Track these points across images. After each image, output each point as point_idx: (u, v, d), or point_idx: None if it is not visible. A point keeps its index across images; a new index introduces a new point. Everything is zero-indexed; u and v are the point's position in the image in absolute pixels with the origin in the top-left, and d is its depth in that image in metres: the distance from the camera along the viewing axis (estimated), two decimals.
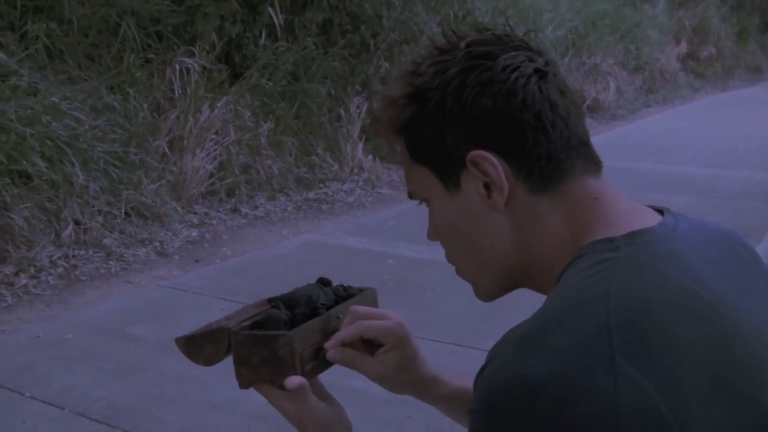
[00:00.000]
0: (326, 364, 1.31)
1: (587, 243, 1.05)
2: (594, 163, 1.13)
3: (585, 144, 1.12)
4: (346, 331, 1.32)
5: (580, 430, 0.87)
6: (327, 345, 1.32)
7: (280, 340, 1.24)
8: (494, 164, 1.07)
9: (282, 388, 1.25)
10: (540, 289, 1.15)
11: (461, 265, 1.21)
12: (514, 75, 1.07)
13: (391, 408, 3.68)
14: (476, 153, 1.08)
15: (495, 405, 0.94)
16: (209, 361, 1.33)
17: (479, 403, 0.96)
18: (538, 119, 1.07)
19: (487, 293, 1.22)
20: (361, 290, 1.42)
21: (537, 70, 1.09)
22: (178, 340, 1.35)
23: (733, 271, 1.09)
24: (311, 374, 1.28)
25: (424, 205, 1.21)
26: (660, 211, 1.14)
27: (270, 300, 1.39)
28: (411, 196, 1.21)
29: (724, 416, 0.91)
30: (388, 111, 1.16)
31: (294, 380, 1.23)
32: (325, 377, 1.36)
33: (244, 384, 1.29)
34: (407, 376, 1.36)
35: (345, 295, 1.40)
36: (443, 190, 1.14)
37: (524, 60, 1.09)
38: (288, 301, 1.34)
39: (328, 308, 1.35)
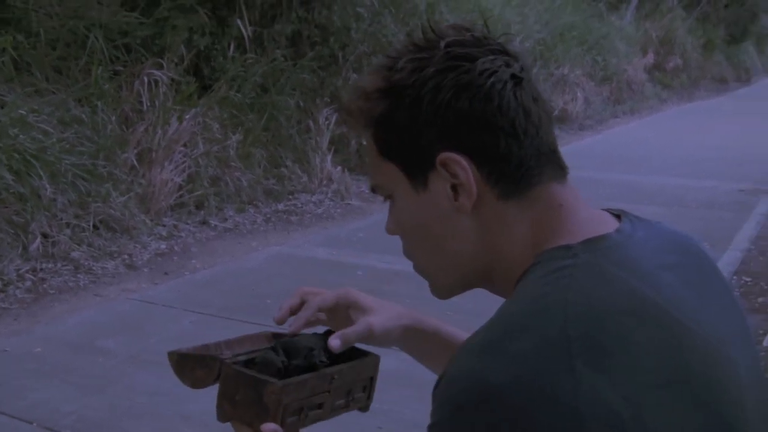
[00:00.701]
0: (309, 421, 1.27)
1: (545, 250, 1.06)
2: (561, 170, 1.13)
3: (554, 152, 1.12)
4: (303, 314, 1.34)
5: None
6: (291, 329, 1.33)
7: (268, 386, 1.21)
8: (464, 167, 1.07)
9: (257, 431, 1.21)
10: (498, 292, 1.15)
11: (420, 261, 1.20)
12: (492, 80, 1.07)
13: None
14: (447, 155, 1.07)
15: (456, 413, 0.94)
16: (196, 384, 1.31)
17: (440, 414, 0.96)
18: (512, 126, 1.07)
19: (444, 290, 1.21)
20: (365, 354, 1.38)
21: (513, 76, 1.09)
22: (171, 355, 1.32)
23: (691, 278, 1.10)
24: (291, 428, 1.25)
25: (388, 201, 1.19)
26: (618, 216, 1.14)
27: (274, 335, 1.37)
28: (374, 190, 1.20)
29: (679, 419, 0.93)
30: (359, 103, 1.14)
31: (270, 426, 1.19)
32: None
33: (222, 418, 1.27)
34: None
35: (347, 355, 1.35)
36: (410, 187, 1.13)
37: (501, 65, 1.09)
38: (289, 347, 1.30)
39: (328, 365, 1.31)
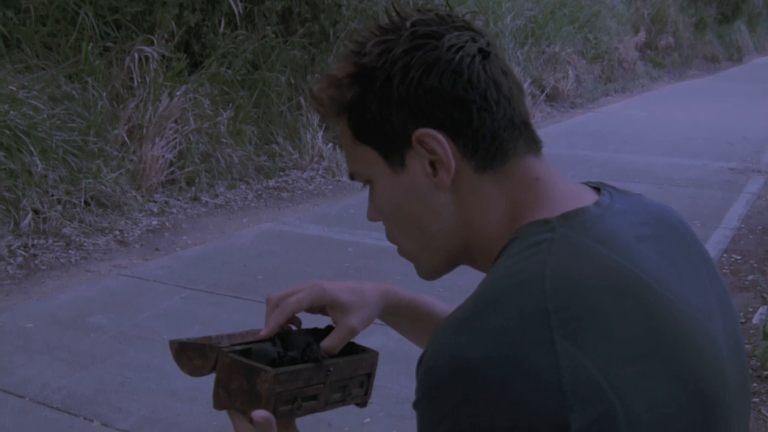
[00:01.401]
0: (302, 412, 1.28)
1: (524, 224, 1.07)
2: (535, 144, 1.14)
3: (526, 124, 1.13)
4: (276, 317, 1.31)
5: (525, 409, 0.90)
6: (263, 333, 1.30)
7: (261, 374, 1.22)
8: (441, 143, 1.08)
9: (251, 421, 1.22)
10: (480, 268, 1.16)
11: (404, 244, 1.21)
12: (459, 54, 1.08)
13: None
14: (423, 131, 1.08)
15: (438, 389, 0.95)
16: (194, 372, 1.32)
17: (423, 391, 0.97)
18: (484, 98, 1.08)
19: (431, 271, 1.22)
20: (363, 350, 1.38)
21: (480, 50, 1.10)
22: (171, 343, 1.33)
23: (669, 250, 1.11)
24: (284, 417, 1.25)
25: (367, 187, 1.20)
26: (598, 189, 1.15)
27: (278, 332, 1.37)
28: (353, 177, 1.20)
29: (658, 390, 0.94)
30: (330, 91, 1.15)
31: (261, 413, 1.19)
32: None
33: (218, 405, 1.28)
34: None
35: (346, 350, 1.36)
36: (387, 169, 1.14)
37: (468, 40, 1.10)
38: (287, 339, 1.31)
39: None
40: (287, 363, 1.26)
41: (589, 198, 1.11)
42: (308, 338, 1.32)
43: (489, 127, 1.09)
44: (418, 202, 1.13)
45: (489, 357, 0.92)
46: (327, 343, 1.31)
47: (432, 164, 1.10)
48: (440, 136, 1.08)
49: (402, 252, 1.23)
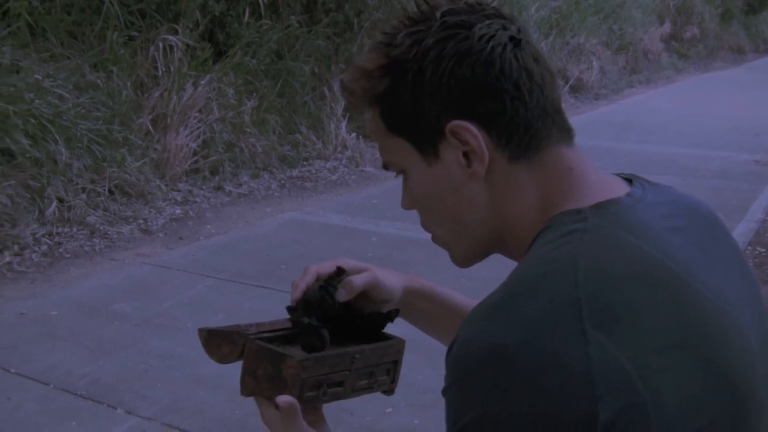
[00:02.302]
0: (328, 398, 1.29)
1: (556, 214, 1.07)
2: (567, 132, 1.13)
3: (558, 111, 1.12)
4: (304, 281, 1.36)
5: (555, 399, 0.89)
6: (292, 298, 1.35)
7: (287, 360, 1.23)
8: (475, 134, 1.07)
9: (277, 407, 1.23)
10: (512, 257, 1.16)
11: (438, 232, 1.21)
12: (491, 44, 1.07)
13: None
14: (456, 123, 1.08)
15: (468, 376, 0.95)
16: (222, 359, 1.33)
17: (452, 377, 0.97)
18: (517, 88, 1.07)
19: (464, 259, 1.22)
20: (390, 338, 1.39)
21: (511, 38, 1.09)
22: (200, 331, 1.34)
23: (700, 241, 1.11)
24: (309, 403, 1.26)
25: (401, 176, 1.20)
26: (630, 180, 1.15)
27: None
28: (386, 167, 1.20)
29: (688, 381, 0.94)
30: (361, 82, 1.14)
31: (285, 398, 1.20)
32: None
33: (245, 392, 1.29)
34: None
35: (373, 338, 1.38)
36: (421, 160, 1.13)
37: (499, 29, 1.09)
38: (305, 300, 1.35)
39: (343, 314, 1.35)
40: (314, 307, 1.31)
41: (621, 189, 1.11)
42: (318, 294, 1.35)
43: (522, 117, 1.08)
44: (452, 192, 1.13)
45: (520, 345, 0.91)
46: (347, 281, 1.36)
47: (466, 155, 1.09)
48: (473, 128, 1.07)
49: (436, 240, 1.23)
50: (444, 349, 1.04)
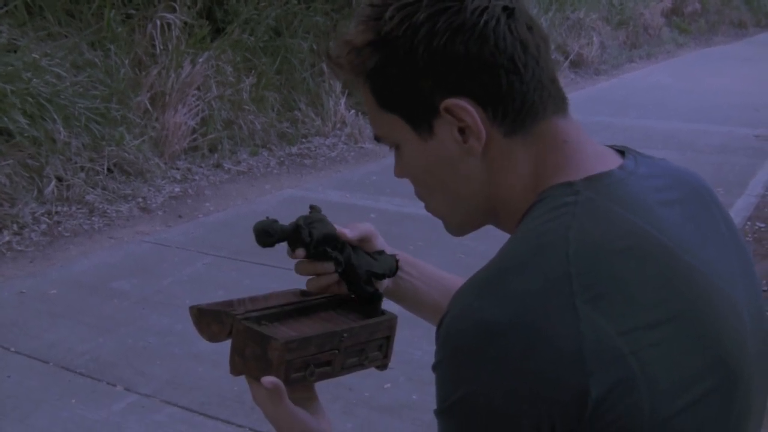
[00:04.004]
0: (314, 378, 1.28)
1: (548, 187, 1.05)
2: (562, 102, 1.11)
3: (553, 81, 1.10)
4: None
5: (546, 374, 0.90)
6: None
7: (272, 342, 1.22)
8: (470, 112, 1.05)
9: None
10: (504, 229, 1.15)
11: (431, 203, 1.20)
12: (484, 18, 1.03)
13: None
14: (450, 101, 1.05)
15: (459, 351, 0.94)
16: (212, 338, 1.33)
17: (442, 353, 0.97)
18: (512, 62, 1.04)
19: (459, 229, 1.21)
20: (382, 313, 1.38)
21: (504, 8, 1.05)
22: (191, 309, 1.35)
23: (693, 215, 1.10)
24: (296, 383, 1.26)
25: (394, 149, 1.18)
26: (623, 152, 1.13)
27: (302, 293, 1.42)
28: (378, 140, 1.18)
29: (679, 356, 0.94)
30: (350, 57, 1.10)
31: (269, 379, 1.20)
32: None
33: (234, 371, 1.29)
34: None
35: (365, 313, 1.38)
36: (415, 136, 1.11)
37: None
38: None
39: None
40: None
41: (613, 161, 1.09)
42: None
43: (518, 91, 1.05)
44: (448, 167, 1.11)
45: (511, 321, 0.91)
46: (344, 229, 1.40)
47: (461, 130, 1.07)
48: (468, 106, 1.05)
49: (429, 209, 1.22)
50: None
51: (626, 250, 0.97)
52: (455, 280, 1.46)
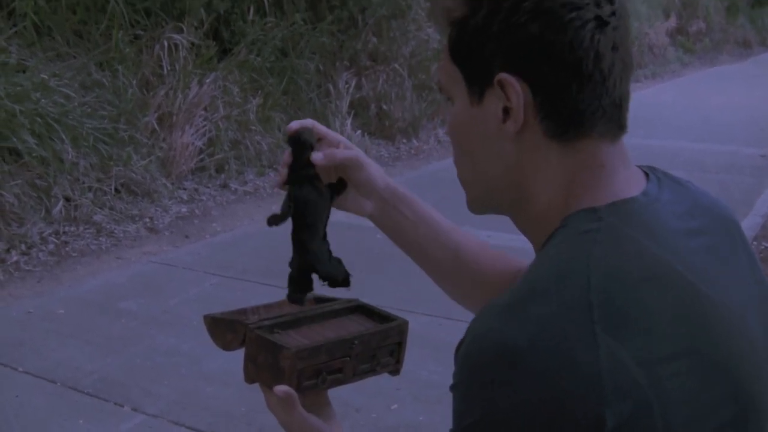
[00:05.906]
0: (326, 385, 1.30)
1: (572, 212, 1.05)
2: (618, 128, 1.08)
3: (617, 106, 1.07)
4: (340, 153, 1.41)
5: (564, 401, 0.89)
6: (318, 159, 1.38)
7: (283, 351, 1.24)
8: (518, 92, 1.03)
9: None
10: (520, 229, 1.15)
11: (460, 170, 1.18)
12: (572, 15, 1.02)
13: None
14: (506, 76, 1.04)
15: (477, 372, 0.94)
16: (226, 346, 1.36)
17: (462, 374, 0.96)
18: (578, 65, 1.02)
19: (473, 204, 1.20)
20: (393, 319, 1.40)
21: (597, 18, 1.03)
22: (205, 317, 1.38)
23: (716, 245, 1.10)
24: (308, 391, 1.28)
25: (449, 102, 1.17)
26: (647, 174, 1.12)
27: (316, 300, 1.43)
28: (440, 89, 1.18)
29: (696, 388, 0.94)
30: (444, 2, 1.11)
31: (281, 388, 1.23)
32: None
33: (248, 379, 1.31)
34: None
35: (375, 319, 1.40)
36: (466, 96, 1.10)
37: (590, 3, 1.03)
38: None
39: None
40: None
41: (638, 185, 1.09)
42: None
43: (572, 98, 1.04)
44: (482, 140, 1.11)
45: (531, 345, 0.91)
46: (329, 152, 1.41)
47: (506, 110, 1.06)
48: (519, 87, 1.04)
49: (459, 176, 1.20)
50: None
51: (646, 280, 0.97)
52: (447, 223, 1.50)
